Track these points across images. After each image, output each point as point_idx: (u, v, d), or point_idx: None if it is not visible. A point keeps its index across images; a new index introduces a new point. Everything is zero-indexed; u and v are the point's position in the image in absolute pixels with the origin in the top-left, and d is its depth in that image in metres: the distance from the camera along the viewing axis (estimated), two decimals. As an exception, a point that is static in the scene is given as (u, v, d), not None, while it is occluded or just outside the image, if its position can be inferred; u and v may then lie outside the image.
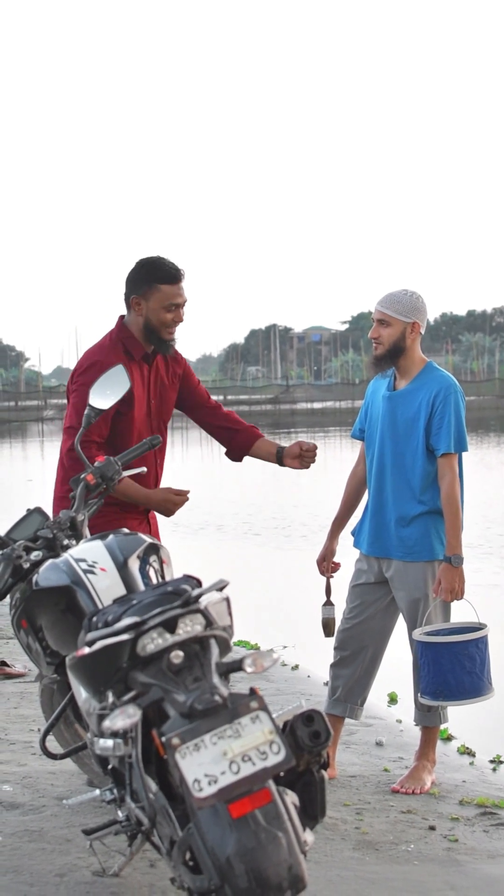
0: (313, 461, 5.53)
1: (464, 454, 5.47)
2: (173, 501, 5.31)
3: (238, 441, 5.72)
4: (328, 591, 5.71)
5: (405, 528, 5.40)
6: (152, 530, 5.47)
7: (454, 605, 5.47)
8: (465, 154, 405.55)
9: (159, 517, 5.54)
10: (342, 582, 5.65)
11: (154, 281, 5.25)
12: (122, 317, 5.41)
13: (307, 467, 5.55)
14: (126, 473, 4.79)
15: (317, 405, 78.69)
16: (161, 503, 5.31)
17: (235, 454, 5.78)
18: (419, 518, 5.38)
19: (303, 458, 5.51)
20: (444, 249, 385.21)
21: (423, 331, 5.47)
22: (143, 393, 5.34)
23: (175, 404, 5.61)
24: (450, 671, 5.19)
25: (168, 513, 5.34)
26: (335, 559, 5.73)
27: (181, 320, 5.33)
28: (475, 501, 17.51)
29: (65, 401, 5.58)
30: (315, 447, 5.52)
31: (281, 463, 5.59)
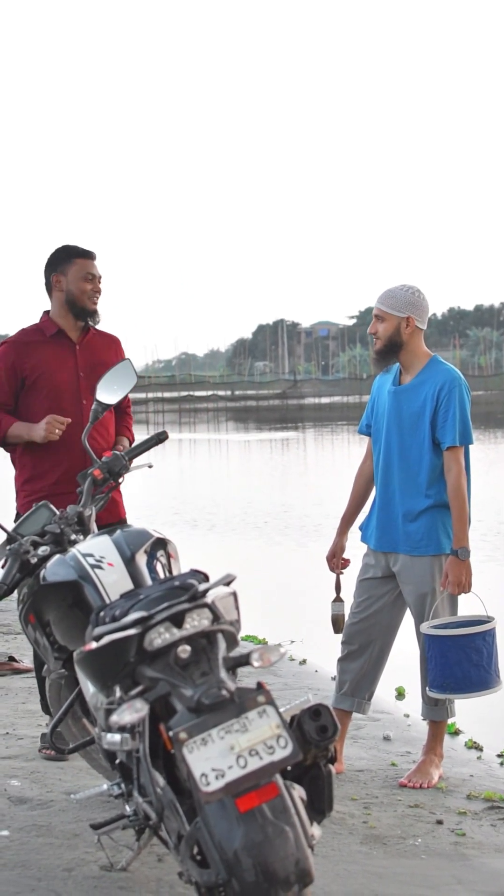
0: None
1: (472, 448, 5.47)
2: (48, 424, 5.50)
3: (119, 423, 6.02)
4: (338, 588, 5.71)
5: (412, 522, 5.40)
6: (120, 508, 5.70)
7: (462, 598, 5.47)
8: (473, 148, 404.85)
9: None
10: (352, 578, 5.65)
11: (70, 256, 5.75)
12: (46, 312, 5.85)
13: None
14: (133, 467, 4.80)
15: (324, 400, 78.69)
16: (38, 429, 5.52)
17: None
18: (426, 512, 5.38)
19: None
20: (452, 244, 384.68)
21: (421, 325, 5.45)
22: (61, 366, 5.69)
23: None
24: (457, 664, 5.19)
25: (45, 437, 5.50)
26: (345, 555, 5.73)
27: (99, 291, 5.80)
28: (485, 496, 17.52)
29: None
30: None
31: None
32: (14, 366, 5.62)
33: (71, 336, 5.77)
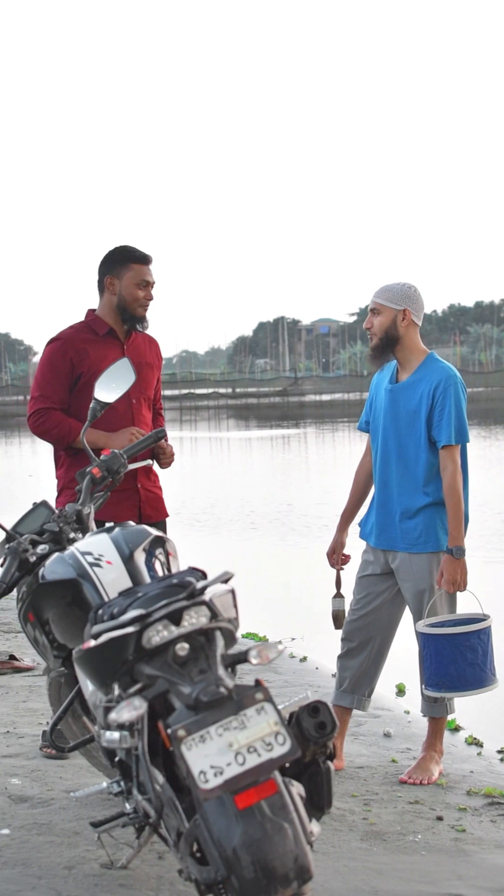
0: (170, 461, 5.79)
1: (473, 446, 5.47)
2: (136, 435, 5.52)
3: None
4: (338, 584, 5.71)
5: (410, 519, 5.41)
6: (143, 501, 5.70)
7: (461, 596, 5.47)
8: (473, 145, 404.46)
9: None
10: (352, 574, 5.66)
11: (127, 261, 5.70)
12: (90, 310, 5.81)
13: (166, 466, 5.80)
14: (131, 466, 4.81)
15: (325, 397, 78.71)
16: (121, 436, 5.53)
17: None
18: (424, 510, 5.38)
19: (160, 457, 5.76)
20: (452, 240, 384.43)
21: (417, 320, 5.46)
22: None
23: None
24: (451, 663, 5.20)
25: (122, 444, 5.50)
26: (345, 551, 5.74)
27: (151, 298, 5.76)
28: (486, 494, 17.51)
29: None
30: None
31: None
32: (71, 363, 5.60)
33: (119, 336, 5.75)
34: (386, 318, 5.44)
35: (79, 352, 5.61)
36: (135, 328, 5.77)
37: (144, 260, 5.71)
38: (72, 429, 5.52)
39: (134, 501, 5.64)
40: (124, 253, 5.71)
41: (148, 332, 5.91)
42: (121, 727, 3.46)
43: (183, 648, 3.41)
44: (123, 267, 5.68)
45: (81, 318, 5.80)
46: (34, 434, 5.69)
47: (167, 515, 5.83)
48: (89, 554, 4.05)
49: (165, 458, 5.74)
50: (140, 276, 5.68)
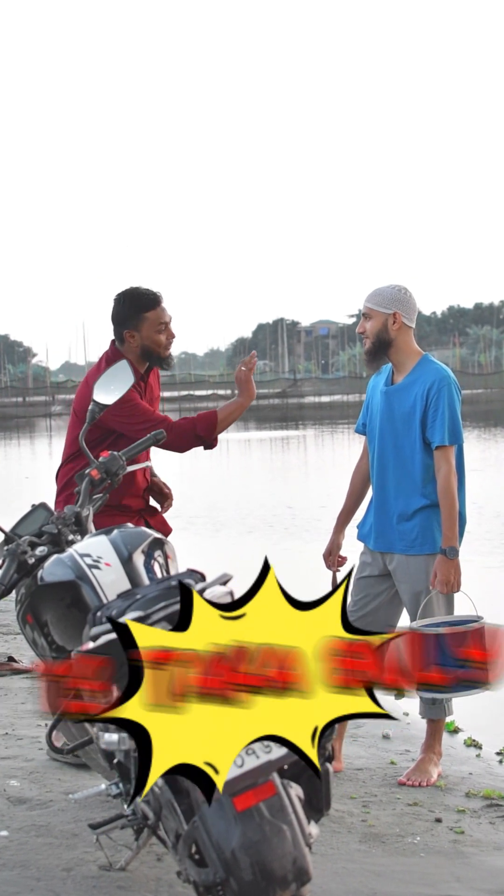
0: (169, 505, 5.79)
1: (471, 448, 5.48)
2: (245, 375, 5.64)
3: None
4: (334, 585, 5.71)
5: (407, 521, 5.41)
6: (152, 524, 5.60)
7: (459, 597, 5.47)
8: (472, 146, 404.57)
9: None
10: (350, 578, 5.65)
11: (139, 311, 5.59)
12: (113, 341, 5.69)
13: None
14: (130, 468, 4.81)
15: (324, 399, 78.67)
16: (244, 386, 5.66)
17: None
18: (421, 511, 5.39)
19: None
20: (451, 242, 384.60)
21: (409, 322, 5.47)
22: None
23: None
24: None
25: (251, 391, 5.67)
26: (341, 553, 5.74)
27: (173, 336, 5.66)
28: (485, 495, 17.51)
29: (72, 396, 5.72)
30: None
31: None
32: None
33: (143, 377, 5.68)
34: (377, 322, 5.45)
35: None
36: (164, 368, 5.71)
37: (156, 303, 5.59)
38: (209, 415, 5.60)
39: (135, 513, 5.61)
40: (135, 303, 5.58)
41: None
42: (119, 729, 3.46)
43: (181, 650, 3.40)
44: (138, 319, 5.57)
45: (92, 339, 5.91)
46: (174, 449, 5.67)
47: (171, 530, 5.78)
48: (88, 556, 4.04)
49: (166, 504, 5.76)
50: (158, 320, 5.58)
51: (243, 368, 5.67)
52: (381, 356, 5.51)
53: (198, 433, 5.61)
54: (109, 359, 5.57)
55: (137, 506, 5.62)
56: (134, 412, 5.48)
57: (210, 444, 5.69)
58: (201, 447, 5.72)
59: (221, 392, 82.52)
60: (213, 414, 5.64)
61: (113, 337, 5.69)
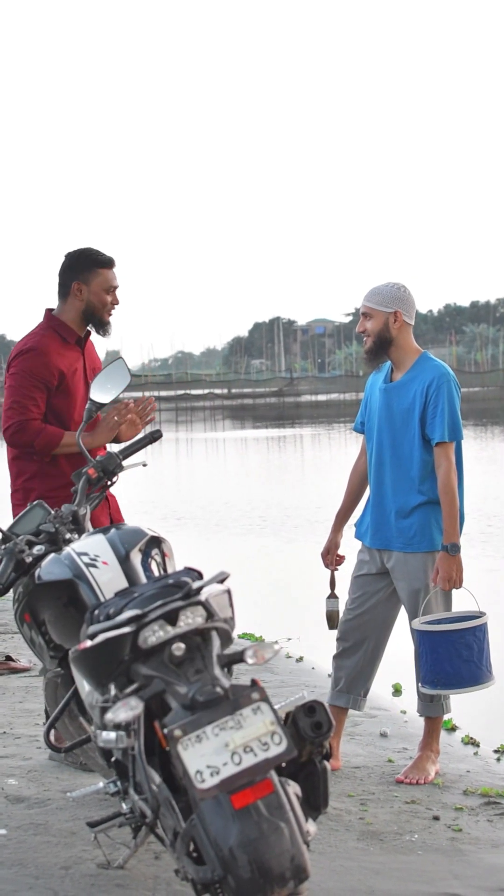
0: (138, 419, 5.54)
1: (469, 445, 5.49)
2: (112, 422, 5.43)
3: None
4: (332, 584, 5.72)
5: (405, 519, 5.42)
6: (112, 507, 5.59)
7: (458, 593, 5.48)
8: (468, 144, 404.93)
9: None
10: (347, 574, 5.66)
11: (94, 266, 5.57)
12: (48, 310, 5.69)
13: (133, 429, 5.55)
14: (127, 466, 4.80)
15: (321, 397, 78.69)
16: (105, 429, 5.43)
17: None
18: (419, 509, 5.39)
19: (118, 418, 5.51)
20: (448, 240, 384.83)
21: (409, 320, 5.48)
22: (81, 374, 5.60)
23: None
24: (447, 660, 5.20)
25: (119, 433, 5.46)
26: (340, 552, 5.75)
27: (117, 303, 5.66)
28: (482, 492, 17.53)
29: None
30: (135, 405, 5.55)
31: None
32: (49, 373, 5.44)
33: (81, 342, 5.67)
34: (378, 321, 5.45)
35: (54, 362, 5.46)
36: (101, 333, 5.69)
37: (111, 264, 5.61)
38: (54, 435, 5.37)
39: (106, 509, 5.54)
40: (91, 258, 5.59)
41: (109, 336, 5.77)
42: (117, 727, 3.47)
43: (179, 648, 3.41)
44: (91, 272, 5.56)
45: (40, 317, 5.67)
46: (11, 445, 5.49)
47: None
48: (85, 554, 4.05)
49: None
50: (108, 281, 5.58)
51: (115, 418, 5.44)
52: (382, 355, 5.51)
53: (35, 446, 5.41)
54: (43, 326, 5.61)
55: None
56: (12, 392, 5.44)
57: (40, 455, 5.48)
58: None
59: (218, 391, 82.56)
60: (57, 438, 5.38)
61: (56, 299, 5.65)
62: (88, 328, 5.67)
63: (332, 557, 5.74)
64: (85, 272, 5.56)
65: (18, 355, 5.54)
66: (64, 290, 5.62)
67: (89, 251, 5.62)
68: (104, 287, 5.57)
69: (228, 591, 3.65)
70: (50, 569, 4.14)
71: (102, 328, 5.67)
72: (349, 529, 5.74)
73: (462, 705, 6.08)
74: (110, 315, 5.65)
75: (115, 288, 5.63)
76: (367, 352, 5.53)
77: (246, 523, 16.48)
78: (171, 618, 3.44)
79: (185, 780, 3.20)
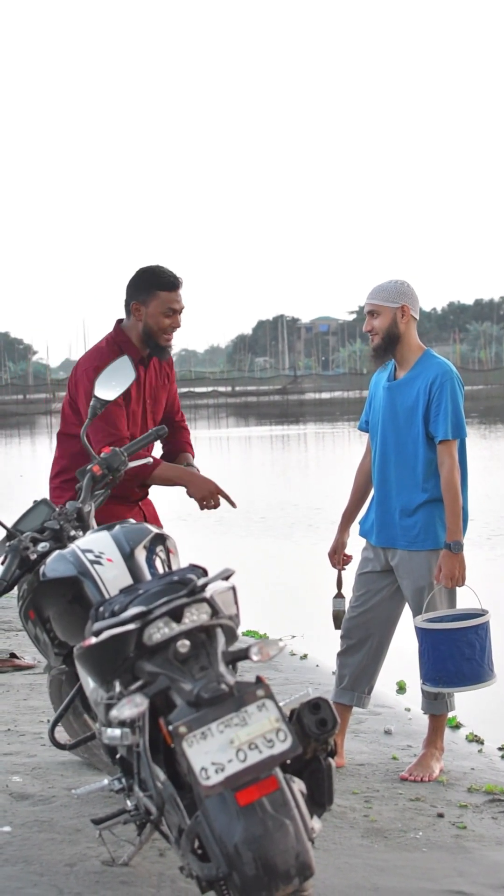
0: (213, 507, 5.50)
1: (473, 443, 5.48)
2: (211, 492, 5.39)
3: (177, 439, 5.78)
4: (339, 584, 5.71)
5: (409, 517, 5.41)
6: (148, 519, 5.51)
7: (461, 591, 5.48)
8: (472, 142, 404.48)
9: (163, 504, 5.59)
10: (353, 574, 5.66)
11: (154, 288, 5.38)
12: (119, 321, 5.53)
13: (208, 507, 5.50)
14: (132, 464, 4.80)
15: (325, 395, 78.71)
16: (201, 487, 5.40)
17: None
18: (423, 507, 5.39)
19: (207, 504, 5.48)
20: (451, 238, 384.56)
21: (415, 315, 5.47)
22: (139, 395, 5.45)
23: None
24: (449, 658, 5.20)
25: (201, 498, 5.41)
26: (346, 552, 5.74)
27: (178, 326, 5.45)
28: (486, 490, 17.51)
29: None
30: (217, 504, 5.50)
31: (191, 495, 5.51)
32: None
33: (145, 362, 5.48)
34: (386, 318, 5.44)
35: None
36: (159, 357, 5.48)
37: (172, 287, 5.39)
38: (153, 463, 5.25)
39: (140, 518, 5.45)
40: (152, 278, 5.39)
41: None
42: (122, 724, 3.47)
43: (184, 645, 3.41)
44: (150, 294, 5.37)
45: (98, 325, 5.57)
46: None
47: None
48: (90, 551, 4.05)
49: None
50: (167, 304, 5.37)
51: (213, 502, 5.43)
52: (390, 352, 5.49)
53: (135, 472, 5.25)
54: (109, 340, 5.46)
55: (136, 496, 5.52)
56: (103, 422, 5.22)
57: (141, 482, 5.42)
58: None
59: (221, 389, 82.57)
60: (153, 465, 5.28)
61: (123, 314, 5.51)
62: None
63: (338, 557, 5.73)
64: (143, 293, 5.39)
65: (87, 372, 5.33)
66: (126, 307, 5.47)
67: (152, 271, 5.42)
68: (161, 309, 5.37)
69: (233, 588, 3.65)
70: (54, 566, 4.14)
71: (160, 352, 5.47)
72: (356, 529, 5.73)
73: (466, 703, 6.08)
74: (168, 340, 5.45)
75: (176, 311, 5.40)
76: (375, 349, 5.51)
77: (250, 520, 16.47)
78: (176, 615, 3.44)
79: (189, 777, 3.20)
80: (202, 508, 5.49)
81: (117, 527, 4.16)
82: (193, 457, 5.76)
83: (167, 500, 5.86)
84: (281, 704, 3.31)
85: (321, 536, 13.27)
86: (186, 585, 3.55)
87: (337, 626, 5.68)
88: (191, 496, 5.43)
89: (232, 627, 3.57)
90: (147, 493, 5.63)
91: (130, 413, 5.39)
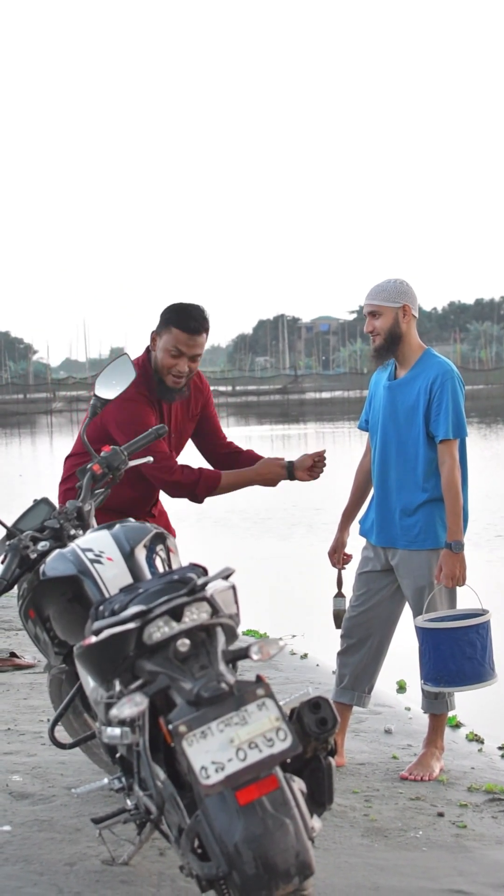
0: (324, 468, 5.51)
1: (474, 443, 5.48)
2: (277, 473, 5.41)
3: (242, 461, 5.64)
4: (339, 583, 5.71)
5: (410, 516, 5.41)
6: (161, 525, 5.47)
7: (461, 591, 5.47)
8: (472, 141, 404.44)
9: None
10: (353, 573, 5.66)
11: (170, 323, 5.29)
12: (147, 349, 5.44)
13: (318, 477, 5.52)
14: (132, 463, 4.80)
15: (325, 395, 78.66)
16: (268, 475, 5.43)
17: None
18: (423, 506, 5.39)
19: (315, 467, 5.49)
20: (452, 237, 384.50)
21: (415, 314, 5.47)
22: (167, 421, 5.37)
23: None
24: (450, 657, 5.20)
25: (273, 483, 5.45)
26: (346, 551, 5.74)
27: (185, 371, 5.28)
28: (487, 490, 17.51)
29: (73, 392, 5.57)
30: (323, 453, 5.51)
31: (292, 477, 5.51)
32: (142, 424, 5.10)
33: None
34: (387, 318, 5.44)
35: (146, 416, 5.20)
36: (162, 395, 5.31)
37: (188, 328, 5.23)
38: (201, 476, 5.29)
39: (145, 513, 5.49)
40: (173, 314, 5.28)
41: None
42: (122, 723, 3.46)
43: (184, 644, 3.41)
44: (165, 328, 5.27)
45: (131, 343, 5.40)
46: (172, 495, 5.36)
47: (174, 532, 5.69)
48: (90, 550, 4.05)
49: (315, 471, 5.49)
50: (176, 343, 5.23)
51: (310, 464, 5.43)
52: (391, 352, 5.49)
53: (196, 492, 5.33)
54: (143, 375, 5.27)
55: (143, 511, 5.51)
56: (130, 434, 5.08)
57: (199, 501, 5.44)
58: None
59: (222, 388, 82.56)
60: (217, 477, 5.34)
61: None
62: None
63: (338, 556, 5.73)
64: (162, 325, 5.30)
65: (122, 403, 5.11)
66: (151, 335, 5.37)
67: (179, 307, 5.30)
68: (169, 348, 5.25)
69: (233, 588, 3.65)
70: (54, 565, 4.14)
71: (164, 392, 5.31)
72: (356, 528, 5.73)
73: (466, 702, 6.08)
74: (176, 382, 5.28)
75: (183, 355, 5.24)
76: (377, 349, 5.50)
77: (250, 520, 16.47)
78: (176, 614, 3.44)
79: (189, 777, 3.20)
80: (310, 479, 5.49)
81: (117, 526, 4.15)
82: (255, 455, 5.61)
83: (169, 500, 5.84)
84: (281, 703, 3.31)
85: (321, 536, 13.27)
86: (186, 584, 3.54)
87: (337, 626, 5.68)
88: (275, 484, 5.45)
89: (232, 626, 3.57)
90: (157, 501, 5.60)
91: (157, 444, 5.19)
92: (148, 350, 5.42)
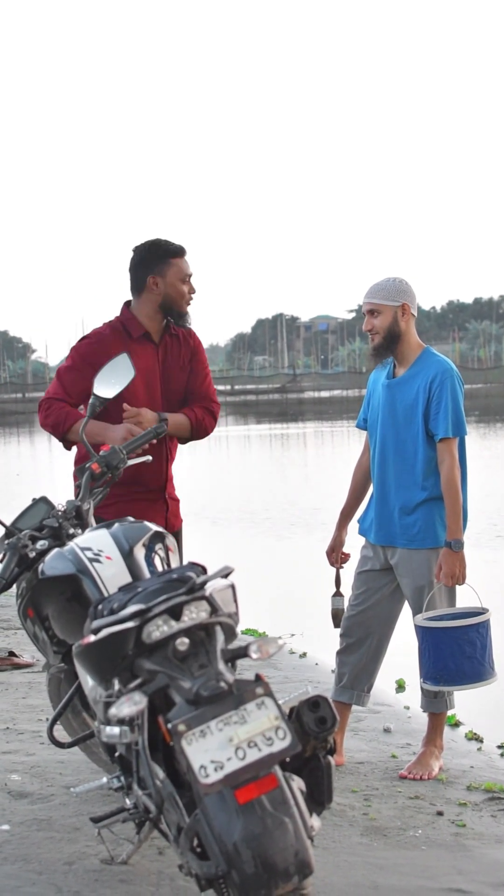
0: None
1: (473, 441, 5.48)
2: (129, 429, 5.16)
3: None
4: (337, 582, 5.71)
5: (409, 515, 5.41)
6: (170, 511, 5.48)
7: (461, 589, 5.47)
8: (471, 140, 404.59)
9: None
10: (351, 572, 5.65)
11: (167, 256, 5.40)
12: (126, 303, 5.50)
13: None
14: (132, 462, 4.79)
15: (324, 394, 78.72)
16: (119, 430, 5.17)
17: None
18: (423, 505, 5.38)
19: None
20: (451, 237, 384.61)
21: (414, 312, 5.47)
22: (141, 371, 5.26)
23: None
24: (450, 656, 5.20)
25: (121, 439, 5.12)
26: (345, 550, 5.74)
27: (195, 291, 5.48)
28: (487, 488, 17.51)
29: None
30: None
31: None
32: (93, 364, 5.13)
33: (154, 338, 5.44)
34: (386, 316, 5.43)
35: (104, 354, 5.17)
36: (181, 325, 5.47)
37: (183, 252, 5.43)
38: (69, 415, 5.24)
39: (162, 511, 5.46)
40: (162, 249, 5.40)
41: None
42: (121, 722, 3.46)
43: (183, 643, 3.40)
44: (165, 264, 5.37)
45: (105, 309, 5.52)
46: (42, 427, 5.40)
47: (179, 527, 5.64)
48: (89, 549, 4.04)
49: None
50: (183, 270, 5.40)
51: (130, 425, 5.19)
52: (390, 351, 5.48)
53: (55, 422, 5.29)
54: (114, 319, 5.45)
55: (156, 483, 5.43)
56: (58, 372, 5.37)
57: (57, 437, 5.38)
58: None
59: (221, 387, 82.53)
60: (71, 420, 5.26)
61: (129, 295, 5.47)
62: (168, 320, 5.45)
63: (337, 555, 5.73)
64: (159, 265, 5.39)
65: (80, 340, 5.47)
66: (138, 285, 5.42)
67: (158, 242, 5.44)
68: (179, 277, 5.39)
69: (232, 586, 3.64)
70: (53, 564, 4.14)
71: (181, 319, 5.47)
72: (354, 527, 5.73)
73: (466, 701, 6.08)
74: (189, 305, 5.47)
75: (190, 276, 5.45)
76: (376, 348, 5.50)
77: (249, 519, 16.47)
78: (175, 612, 3.44)
79: (188, 775, 3.19)
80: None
81: (116, 525, 4.15)
82: (180, 421, 5.45)
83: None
84: (280, 702, 3.31)
85: (320, 535, 13.27)
86: (185, 583, 3.54)
87: (336, 625, 5.67)
88: (115, 443, 5.06)
89: (231, 625, 3.57)
90: (168, 485, 5.54)
91: (133, 391, 5.21)
92: (127, 305, 5.49)
